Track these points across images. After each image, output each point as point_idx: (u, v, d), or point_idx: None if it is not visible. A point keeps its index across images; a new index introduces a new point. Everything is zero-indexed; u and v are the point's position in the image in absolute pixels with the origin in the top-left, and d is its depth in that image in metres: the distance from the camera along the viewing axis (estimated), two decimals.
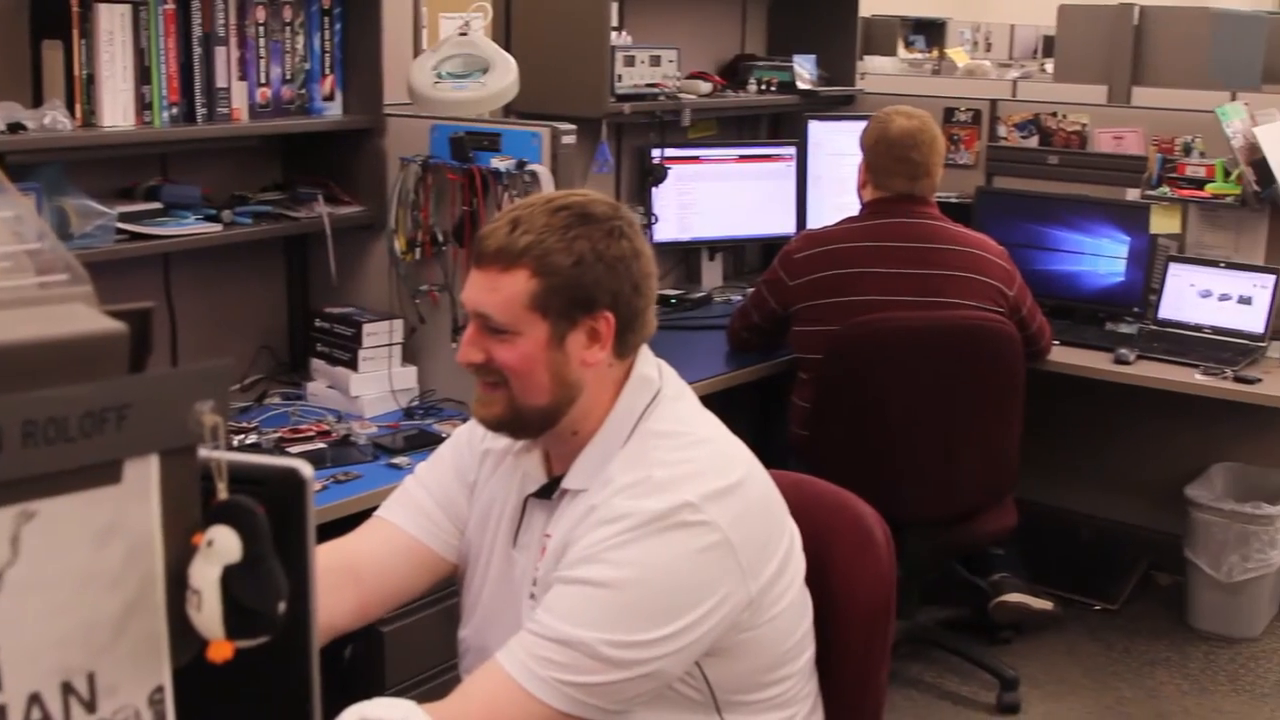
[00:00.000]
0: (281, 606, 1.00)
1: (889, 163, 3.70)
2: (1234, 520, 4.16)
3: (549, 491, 1.86)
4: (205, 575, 0.97)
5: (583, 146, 3.93)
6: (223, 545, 0.97)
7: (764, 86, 4.78)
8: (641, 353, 1.86)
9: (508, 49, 3.69)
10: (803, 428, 3.70)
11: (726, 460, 1.79)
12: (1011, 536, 3.90)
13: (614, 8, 4.16)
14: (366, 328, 3.24)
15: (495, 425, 1.84)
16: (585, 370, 1.79)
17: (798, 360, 3.77)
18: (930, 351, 3.50)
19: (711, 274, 4.79)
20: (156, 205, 3.00)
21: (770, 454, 3.06)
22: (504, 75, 3.45)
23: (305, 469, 1.06)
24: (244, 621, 0.98)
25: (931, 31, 13.60)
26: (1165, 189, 4.39)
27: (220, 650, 0.98)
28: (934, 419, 3.56)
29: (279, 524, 1.01)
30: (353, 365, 3.24)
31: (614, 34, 4.17)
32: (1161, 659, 4.14)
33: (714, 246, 4.77)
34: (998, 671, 3.89)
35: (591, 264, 1.75)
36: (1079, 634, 4.28)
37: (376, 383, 3.26)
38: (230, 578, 0.97)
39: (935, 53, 12.83)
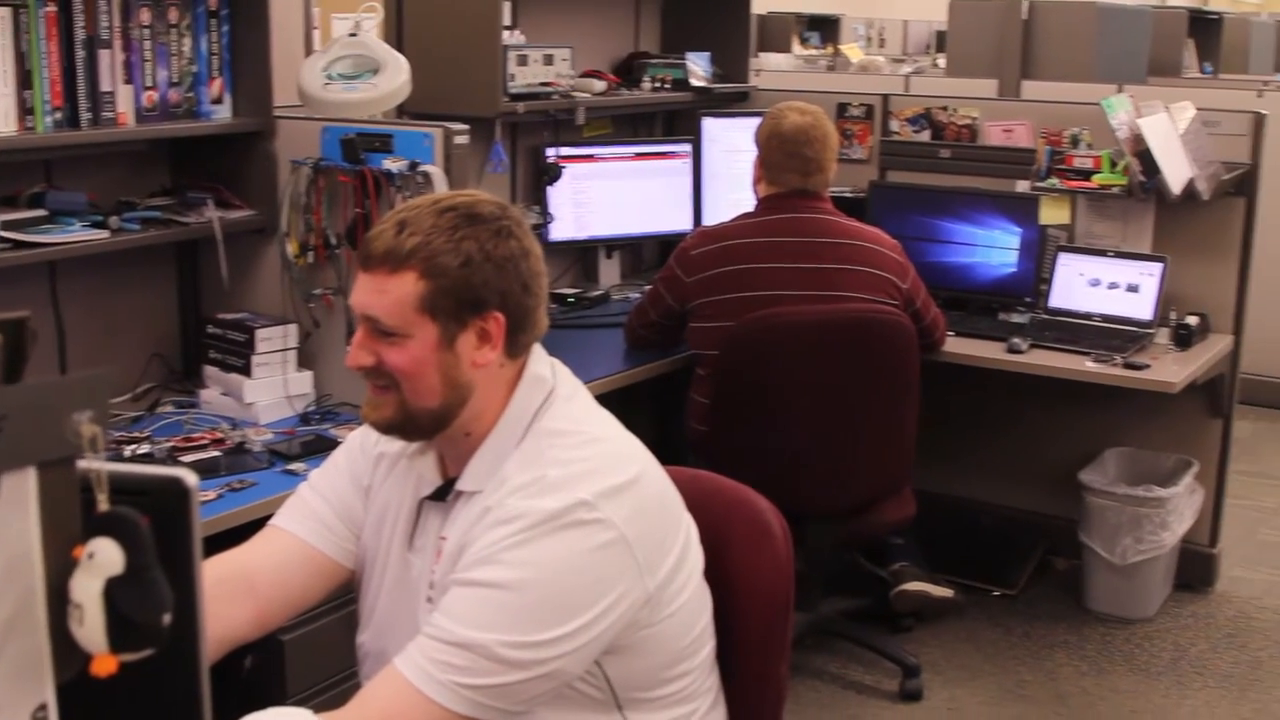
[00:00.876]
0: (167, 618, 0.98)
1: (782, 158, 3.73)
2: (1126, 504, 4.24)
3: (444, 493, 1.85)
4: (87, 588, 0.95)
5: (477, 146, 3.92)
6: (104, 557, 0.96)
7: (658, 84, 4.79)
8: (534, 352, 1.86)
9: (399, 49, 3.66)
10: (701, 424, 3.71)
11: (621, 458, 1.79)
12: (911, 526, 3.95)
13: (506, 7, 4.15)
14: (260, 333, 3.21)
15: (386, 428, 1.83)
16: (476, 371, 1.78)
17: (695, 357, 3.79)
18: (826, 345, 3.53)
19: (609, 272, 4.80)
20: (41, 212, 2.93)
21: (670, 450, 3.07)
22: (395, 76, 3.42)
23: (189, 477, 1.05)
24: (128, 634, 0.97)
25: (826, 28, 13.73)
26: (1054, 180, 4.45)
27: (104, 664, 0.96)
28: (831, 412, 3.59)
29: (163, 534, 1.00)
30: (246, 371, 3.20)
31: (507, 33, 4.16)
32: (1060, 642, 4.21)
33: (611, 245, 4.77)
34: (900, 660, 3.94)
35: (480, 264, 1.74)
36: (979, 620, 4.34)
37: (271, 389, 3.22)
38: (113, 590, 0.96)
39: (830, 49, 12.94)
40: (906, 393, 3.65)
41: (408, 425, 1.81)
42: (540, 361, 1.86)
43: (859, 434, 3.63)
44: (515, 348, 1.81)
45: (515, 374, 1.83)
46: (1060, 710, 3.82)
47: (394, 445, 1.93)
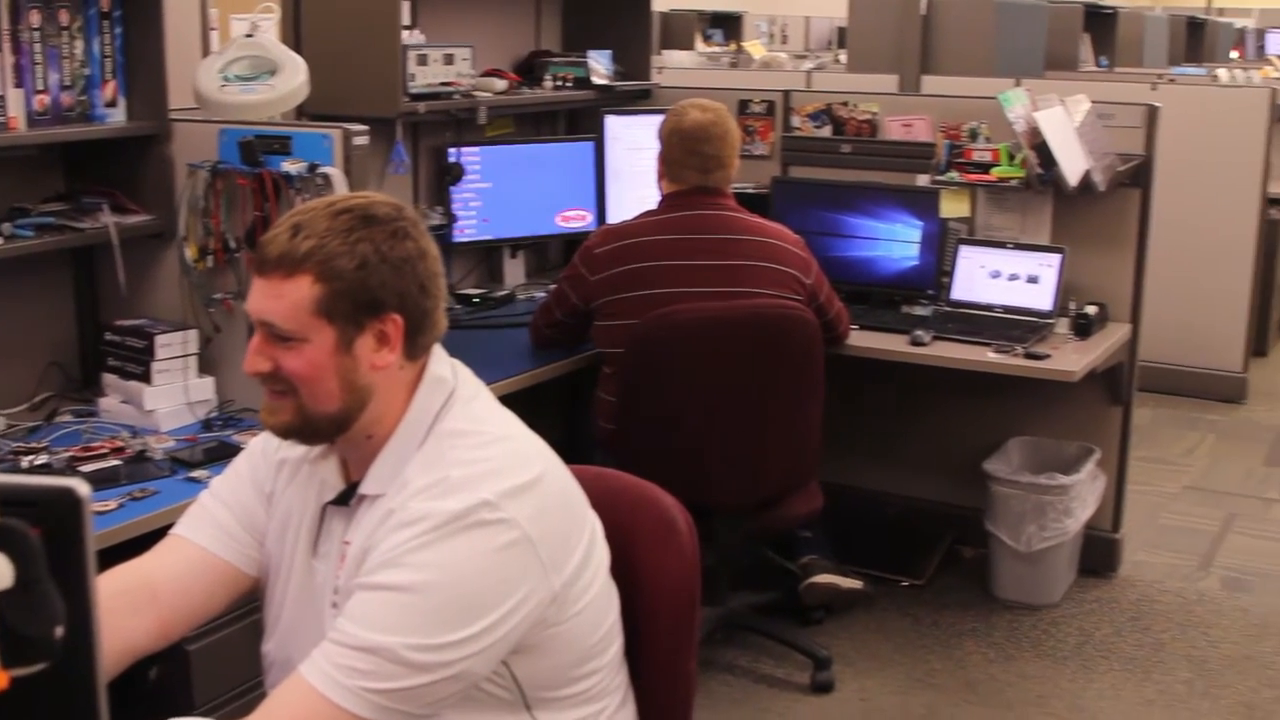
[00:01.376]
0: (59, 631, 0.97)
1: (682, 155, 3.75)
2: (1030, 492, 4.30)
3: (347, 498, 1.84)
4: None
5: (378, 147, 3.89)
6: None
7: (560, 83, 4.78)
8: (434, 353, 1.85)
9: (298, 50, 3.63)
10: (609, 422, 3.71)
11: (523, 457, 1.78)
12: (819, 519, 3.97)
13: (406, 6, 4.13)
14: (159, 339, 3.16)
15: (284, 432, 1.81)
16: (375, 374, 1.77)
17: (601, 355, 3.79)
18: (730, 341, 3.54)
19: (514, 272, 4.78)
20: None
21: (577, 449, 3.06)
22: (293, 77, 3.39)
23: (80, 487, 1.03)
24: (20, 649, 0.95)
25: (728, 25, 13.83)
26: (954, 174, 4.50)
27: None
28: (737, 407, 3.60)
29: (55, 546, 0.99)
30: (146, 378, 3.16)
31: (406, 33, 4.13)
32: (968, 630, 4.26)
33: (515, 244, 4.76)
34: (811, 652, 3.97)
35: (376, 266, 1.73)
36: (888, 610, 4.38)
37: (171, 395, 3.17)
38: (2, 604, 0.94)
39: (733, 46, 13.04)
40: (812, 387, 3.68)
41: (306, 429, 1.79)
42: (441, 362, 1.85)
43: (765, 429, 3.65)
44: (414, 349, 1.80)
45: (415, 376, 1.82)
46: (969, 697, 3.86)
47: (296, 451, 1.91)
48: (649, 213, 3.81)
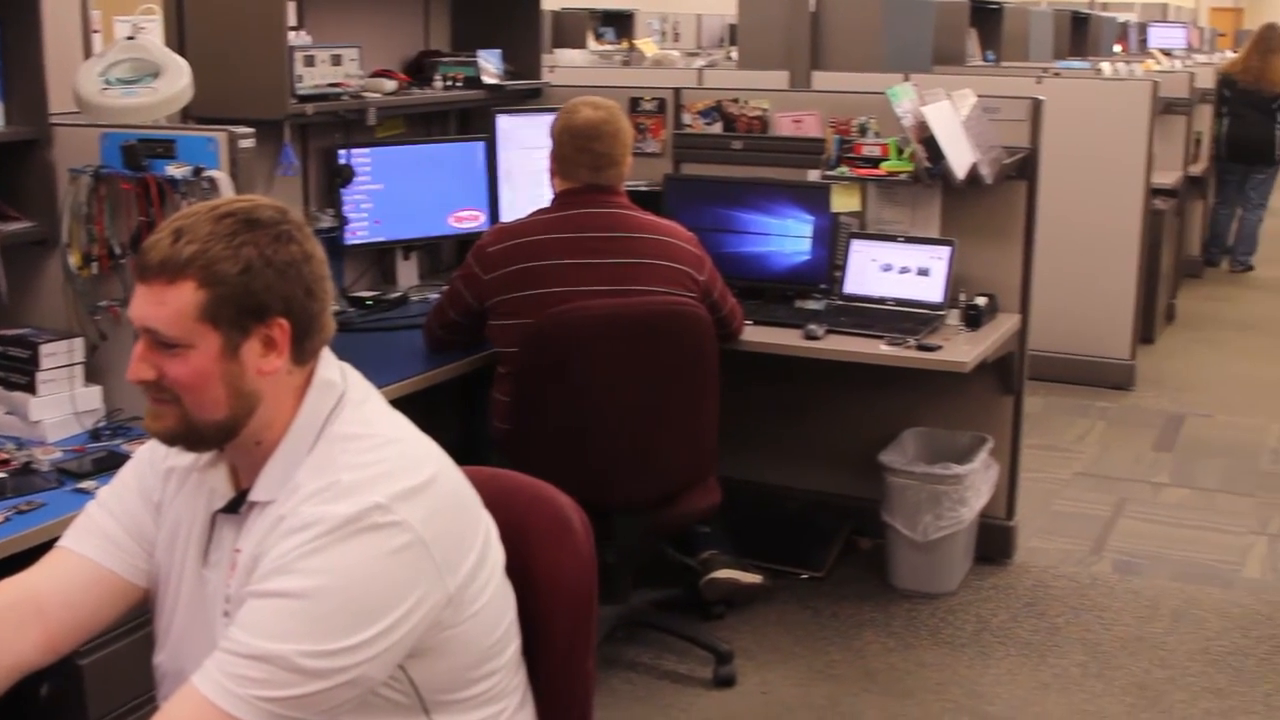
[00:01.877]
0: None
1: (573, 153, 3.74)
2: (925, 482, 4.35)
3: (237, 505, 1.81)
4: None
5: (266, 150, 3.85)
6: None
7: (450, 83, 4.76)
8: (323, 357, 1.83)
9: (181, 52, 3.58)
10: (504, 421, 3.70)
11: (415, 459, 1.77)
12: (717, 514, 3.98)
13: (291, 7, 4.08)
14: (43, 349, 3.10)
15: (169, 439, 1.79)
16: (263, 380, 1.75)
17: (496, 355, 3.77)
18: (624, 338, 3.54)
19: (407, 273, 4.75)
20: None
21: (474, 450, 3.04)
22: (176, 79, 3.34)
23: None
24: None
25: (620, 23, 13.86)
26: (844, 169, 4.53)
27: None
28: (632, 405, 3.61)
29: None
30: (31, 389, 3.09)
31: (292, 33, 4.08)
32: (867, 620, 4.30)
33: (408, 245, 4.72)
34: (712, 647, 3.98)
35: (260, 270, 1.71)
36: (788, 603, 4.41)
37: (58, 405, 3.11)
38: None
39: (625, 44, 13.06)
40: (707, 383, 3.69)
41: (192, 436, 1.77)
42: (329, 366, 1.83)
43: (661, 426, 3.66)
44: (302, 354, 1.78)
45: (304, 380, 1.80)
46: (869, 687, 3.90)
47: (184, 459, 1.89)
48: (541, 211, 3.80)
